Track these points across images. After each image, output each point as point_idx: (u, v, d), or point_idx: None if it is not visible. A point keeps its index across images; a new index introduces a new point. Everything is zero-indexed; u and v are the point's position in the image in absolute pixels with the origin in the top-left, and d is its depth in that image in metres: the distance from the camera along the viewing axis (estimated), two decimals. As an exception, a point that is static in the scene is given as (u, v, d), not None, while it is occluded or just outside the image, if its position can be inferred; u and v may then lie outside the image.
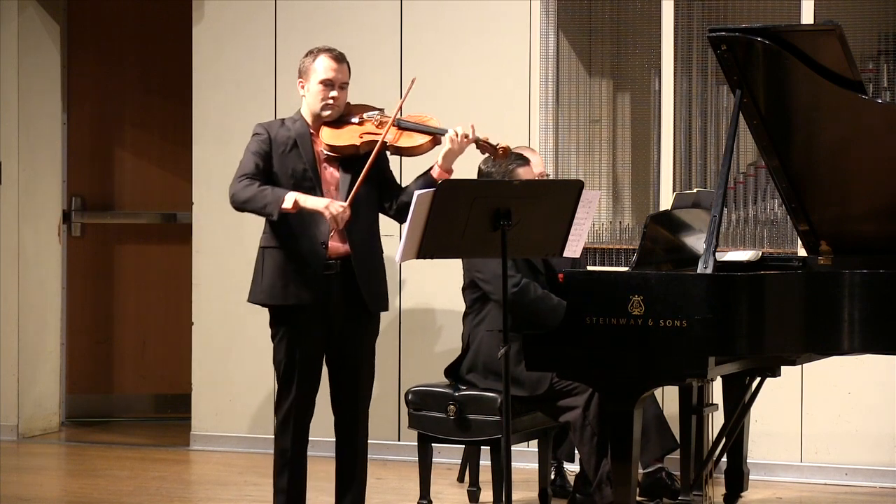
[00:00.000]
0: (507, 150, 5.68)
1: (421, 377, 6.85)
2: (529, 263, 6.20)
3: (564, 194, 5.14)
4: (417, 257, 5.04)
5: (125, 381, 8.91)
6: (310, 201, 5.50)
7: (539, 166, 6.44)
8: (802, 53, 5.17)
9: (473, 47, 7.54)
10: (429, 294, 7.47)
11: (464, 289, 6.30)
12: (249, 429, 7.88)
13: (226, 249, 7.93)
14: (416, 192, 4.92)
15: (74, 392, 8.73)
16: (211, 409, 7.96)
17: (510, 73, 7.49)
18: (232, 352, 7.93)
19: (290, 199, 5.48)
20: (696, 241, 5.69)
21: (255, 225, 7.78)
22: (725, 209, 7.00)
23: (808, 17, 7.04)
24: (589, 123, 7.56)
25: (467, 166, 6.12)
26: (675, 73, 7.29)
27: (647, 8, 7.41)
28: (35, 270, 8.38)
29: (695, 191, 6.15)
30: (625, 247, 7.39)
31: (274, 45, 7.82)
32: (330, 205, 5.46)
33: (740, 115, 5.34)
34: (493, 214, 4.98)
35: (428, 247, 4.99)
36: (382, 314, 5.75)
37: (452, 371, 6.28)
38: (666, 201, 7.09)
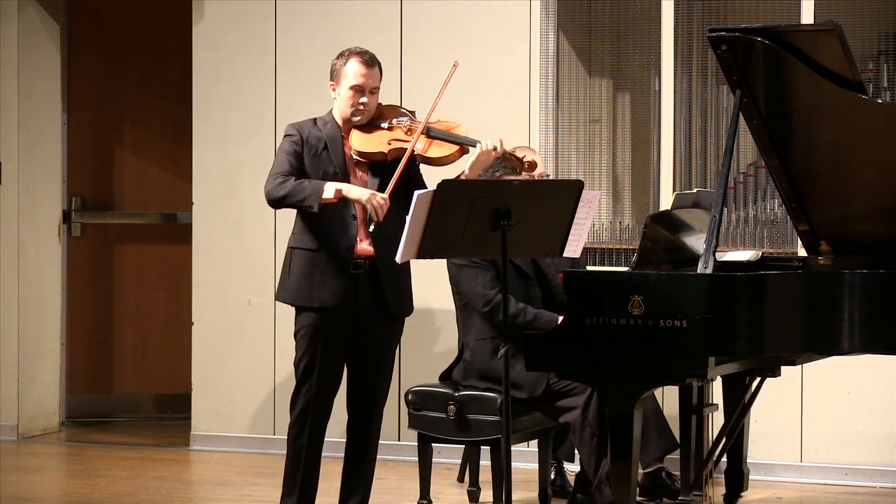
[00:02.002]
0: (533, 163, 5.78)
1: (421, 377, 6.85)
2: (519, 270, 6.19)
3: (564, 194, 5.14)
4: (417, 257, 5.04)
5: (125, 381, 8.91)
6: (353, 191, 5.51)
7: (539, 167, 6.44)
8: (802, 53, 5.17)
9: (473, 47, 7.54)
10: (428, 294, 7.46)
11: (453, 294, 6.31)
12: (249, 429, 7.88)
13: (226, 249, 7.92)
14: (417, 192, 4.92)
15: (74, 392, 8.73)
16: (211, 409, 7.96)
17: (510, 73, 7.49)
18: (232, 352, 7.93)
19: (331, 188, 5.49)
20: (696, 241, 5.69)
21: (255, 226, 7.82)
22: (725, 209, 7.00)
23: (808, 17, 7.04)
24: (589, 123, 7.56)
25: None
26: (675, 73, 7.29)
27: (647, 8, 7.41)
28: (35, 270, 8.38)
29: (695, 191, 6.15)
30: (625, 247, 7.38)
31: (274, 45, 7.82)
32: (372, 197, 5.48)
33: (740, 115, 5.34)
34: (493, 214, 4.98)
35: (428, 247, 4.99)
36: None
37: (447, 376, 6.28)
38: (666, 201, 7.09)
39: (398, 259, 5.03)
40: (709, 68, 7.31)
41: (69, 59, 8.62)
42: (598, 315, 5.11)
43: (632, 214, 7.54)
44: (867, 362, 6.44)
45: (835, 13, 6.93)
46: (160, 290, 8.89)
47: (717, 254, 5.16)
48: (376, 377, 5.78)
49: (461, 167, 5.72)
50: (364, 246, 5.65)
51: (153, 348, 8.89)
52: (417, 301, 7.00)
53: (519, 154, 5.87)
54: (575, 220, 5.22)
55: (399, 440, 7.52)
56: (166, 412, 8.85)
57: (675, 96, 7.31)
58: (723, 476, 6.26)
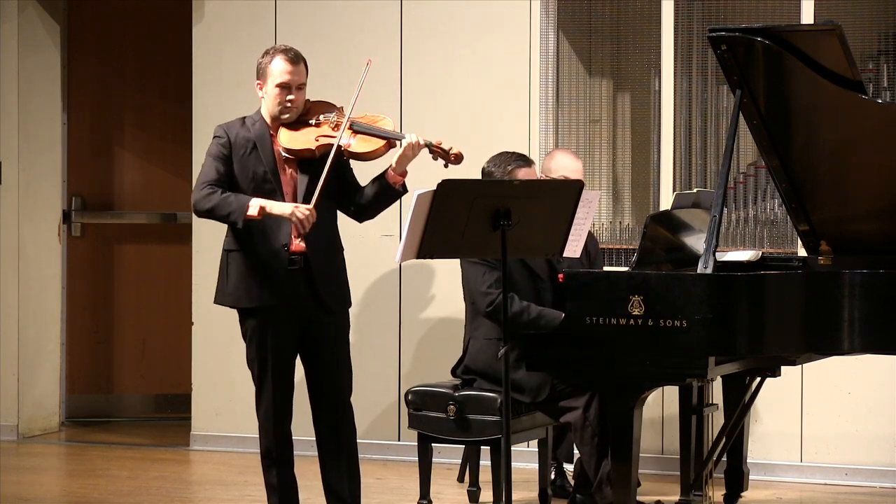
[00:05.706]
0: (459, 154, 5.59)
1: (421, 377, 6.85)
2: (530, 271, 6.18)
3: (564, 194, 5.14)
4: (417, 257, 5.04)
5: (125, 381, 8.91)
6: (276, 207, 5.47)
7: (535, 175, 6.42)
8: (803, 53, 5.17)
9: (473, 48, 7.54)
10: (429, 294, 7.47)
11: (463, 289, 6.29)
12: (249, 429, 7.85)
13: (226, 249, 7.92)
14: (417, 192, 4.92)
15: (74, 392, 8.73)
16: (211, 409, 7.96)
17: (510, 73, 7.49)
18: (232, 352, 7.92)
19: (255, 206, 5.45)
20: (696, 241, 5.69)
21: (255, 225, 7.81)
22: (725, 209, 7.00)
23: (808, 17, 7.04)
24: (589, 123, 7.56)
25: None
26: (675, 73, 7.29)
27: (647, 8, 7.42)
28: (35, 270, 8.38)
29: (695, 191, 6.15)
30: (625, 247, 7.39)
31: (274, 45, 7.81)
32: (295, 210, 5.43)
33: (740, 115, 5.34)
34: (493, 214, 4.98)
35: (428, 247, 4.99)
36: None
37: (455, 372, 6.28)
38: (666, 201, 7.09)
39: (398, 259, 5.03)
40: (709, 68, 7.31)
41: (69, 59, 8.62)
42: (598, 315, 5.11)
43: (632, 214, 7.54)
44: (867, 362, 6.44)
45: (835, 13, 6.93)
46: (160, 290, 8.89)
47: (717, 254, 5.17)
48: (333, 373, 5.68)
49: (388, 161, 5.64)
50: (298, 243, 5.57)
51: (153, 348, 8.90)
52: (418, 301, 7.00)
53: (445, 147, 5.69)
54: (575, 220, 5.23)
55: (399, 440, 7.52)
56: (166, 412, 8.85)
57: (675, 96, 7.31)
58: (723, 476, 6.26)
